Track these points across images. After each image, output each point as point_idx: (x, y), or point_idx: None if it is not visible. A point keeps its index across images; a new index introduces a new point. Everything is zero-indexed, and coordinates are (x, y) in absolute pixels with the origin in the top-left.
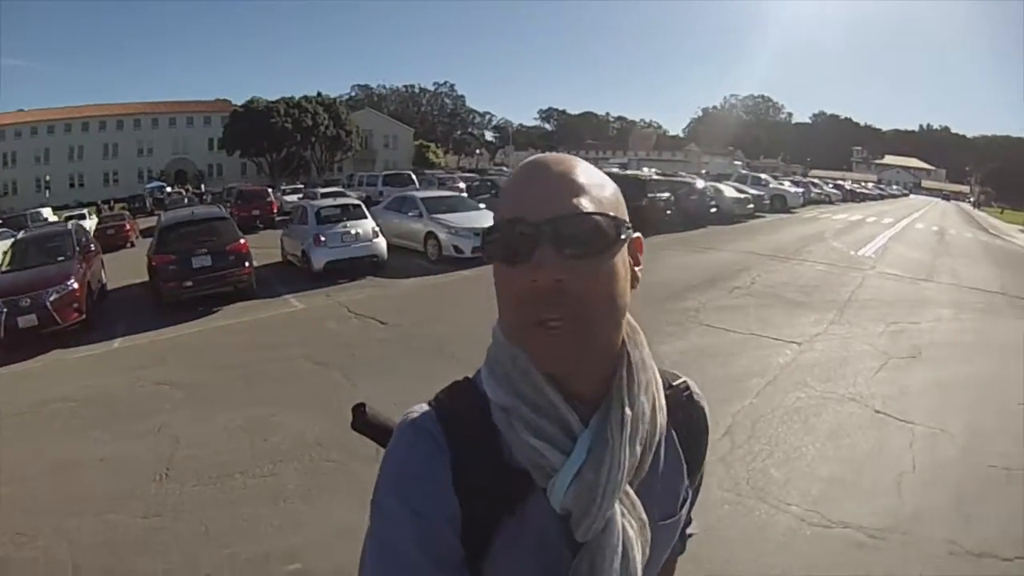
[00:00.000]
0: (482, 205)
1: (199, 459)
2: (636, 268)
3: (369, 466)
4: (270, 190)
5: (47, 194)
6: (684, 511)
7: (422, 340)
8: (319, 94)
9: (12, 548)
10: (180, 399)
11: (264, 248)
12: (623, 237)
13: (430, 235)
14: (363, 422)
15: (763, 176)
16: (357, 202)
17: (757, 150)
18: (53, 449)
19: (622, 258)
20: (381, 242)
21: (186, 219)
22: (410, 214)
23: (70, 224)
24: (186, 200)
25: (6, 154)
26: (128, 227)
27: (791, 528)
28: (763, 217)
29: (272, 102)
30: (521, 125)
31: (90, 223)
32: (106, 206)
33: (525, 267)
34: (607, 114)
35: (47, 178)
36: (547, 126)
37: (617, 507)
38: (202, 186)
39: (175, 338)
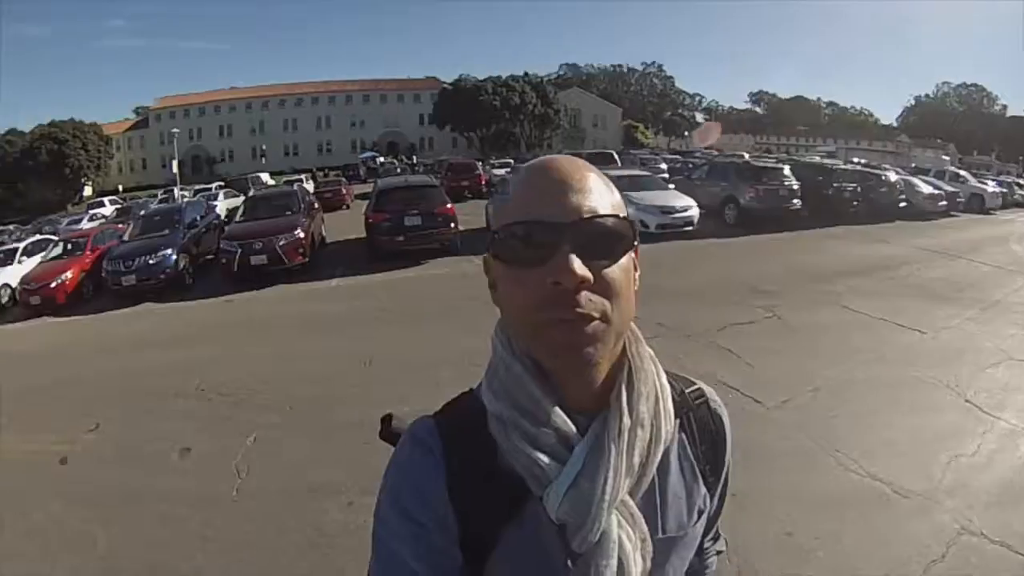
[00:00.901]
0: (671, 185)
1: (399, 357)
2: (636, 273)
3: None
4: (479, 163)
5: (263, 161)
6: (700, 525)
7: None
8: (526, 74)
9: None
10: (387, 319)
11: (471, 215)
12: (635, 242)
13: None
14: (390, 432)
15: (963, 173)
16: None
17: (971, 145)
18: (284, 346)
19: (631, 262)
20: None
21: (400, 184)
22: None
23: (295, 186)
24: (398, 170)
25: (222, 126)
26: (344, 191)
27: (830, 469)
28: (956, 216)
29: (480, 81)
30: (732, 108)
31: (309, 187)
32: (321, 173)
33: (544, 269)
34: (818, 99)
35: (263, 147)
36: (757, 109)
37: (614, 518)
38: (414, 157)
39: (386, 280)
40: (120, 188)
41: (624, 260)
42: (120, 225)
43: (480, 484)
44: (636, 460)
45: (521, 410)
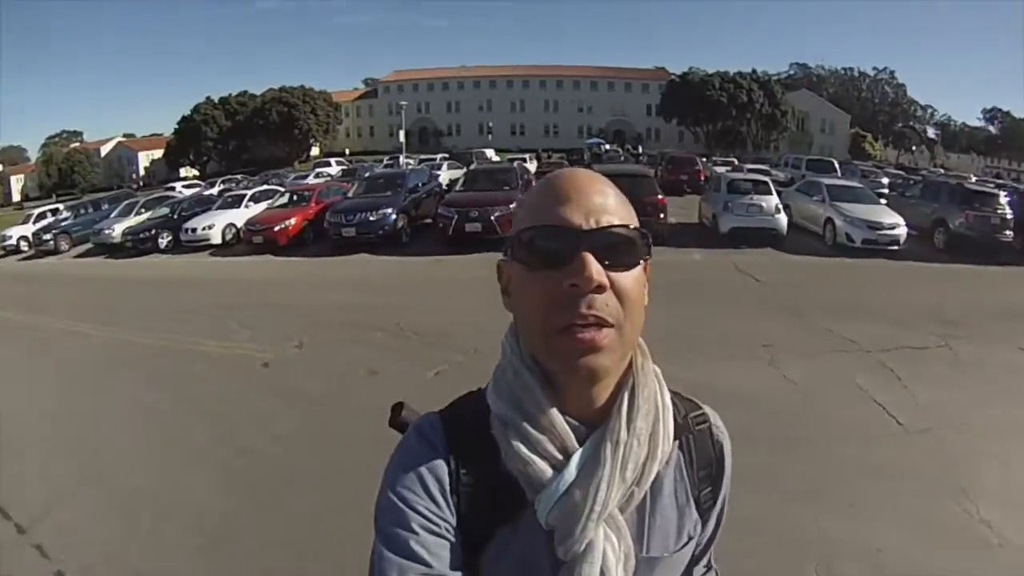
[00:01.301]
0: (883, 201)
1: None
2: (647, 288)
3: None
4: (701, 159)
5: (489, 138)
6: (687, 550)
7: (783, 296)
8: (754, 71)
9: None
10: None
11: (684, 209)
12: (649, 256)
13: (828, 220)
14: (399, 420)
15: None
16: (765, 179)
17: None
18: (481, 303)
19: (643, 275)
20: (782, 218)
21: (615, 171)
22: (815, 198)
23: (515, 163)
24: (622, 158)
25: (451, 102)
26: None
27: (944, 502)
28: None
29: (708, 75)
30: (964, 125)
31: (531, 166)
32: (545, 155)
33: (561, 272)
34: None
35: (490, 124)
36: (991, 128)
37: (601, 531)
38: (640, 147)
39: None
40: (347, 151)
41: (637, 271)
42: (345, 184)
43: (480, 483)
44: (629, 475)
45: (524, 414)
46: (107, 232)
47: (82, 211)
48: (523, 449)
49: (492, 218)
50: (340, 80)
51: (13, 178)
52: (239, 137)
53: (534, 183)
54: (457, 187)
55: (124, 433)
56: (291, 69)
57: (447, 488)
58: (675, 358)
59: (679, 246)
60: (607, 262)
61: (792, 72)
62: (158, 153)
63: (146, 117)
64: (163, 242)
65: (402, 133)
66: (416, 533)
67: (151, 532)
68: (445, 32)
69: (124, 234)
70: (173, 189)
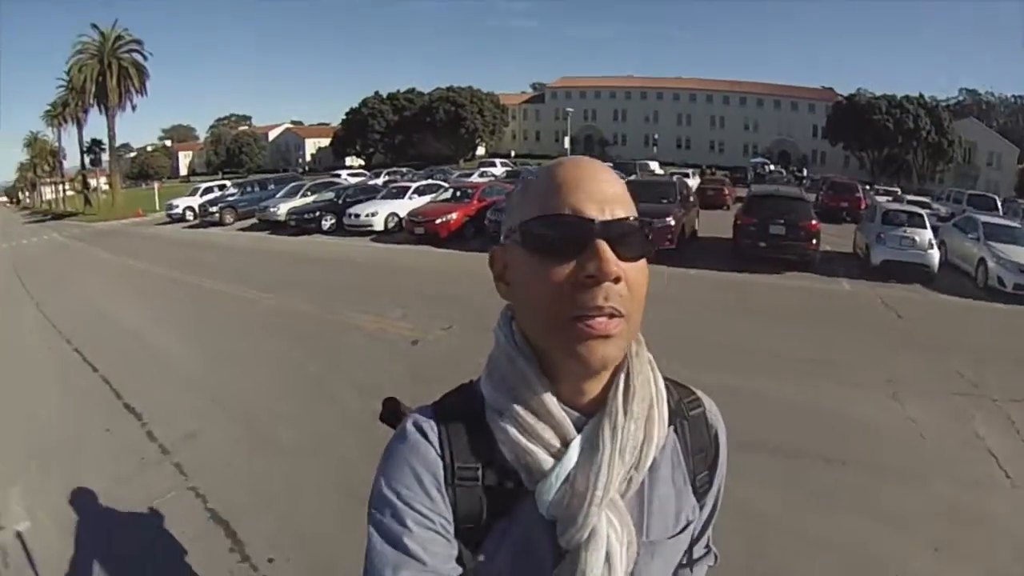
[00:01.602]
0: None
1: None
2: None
3: None
4: (864, 186)
5: (654, 150)
6: (685, 534)
7: (920, 334)
8: (921, 96)
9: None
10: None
11: (839, 237)
12: (653, 247)
13: (981, 260)
14: (390, 414)
15: None
16: (920, 212)
17: None
18: None
19: (647, 267)
20: (934, 254)
21: (772, 193)
22: (970, 236)
23: (676, 177)
24: (785, 179)
25: (617, 111)
26: (726, 192)
27: None
28: None
29: (875, 98)
30: None
31: (693, 182)
32: (709, 171)
33: (576, 262)
34: None
35: (655, 136)
36: None
37: (603, 517)
38: (804, 170)
39: (742, 281)
40: (512, 153)
41: (643, 263)
42: (508, 185)
43: (476, 475)
44: (628, 459)
45: (521, 403)
46: (273, 210)
47: (248, 189)
48: (521, 439)
49: (647, 229)
50: (507, 83)
51: (181, 154)
52: (406, 132)
53: (692, 199)
54: None
55: (275, 386)
56: (458, 69)
57: (442, 482)
58: (806, 381)
59: (829, 274)
60: (619, 253)
61: (961, 98)
62: (324, 141)
63: (314, 107)
64: (326, 224)
65: (567, 139)
66: (410, 529)
67: (292, 475)
68: (613, 41)
69: (289, 213)
70: (338, 176)
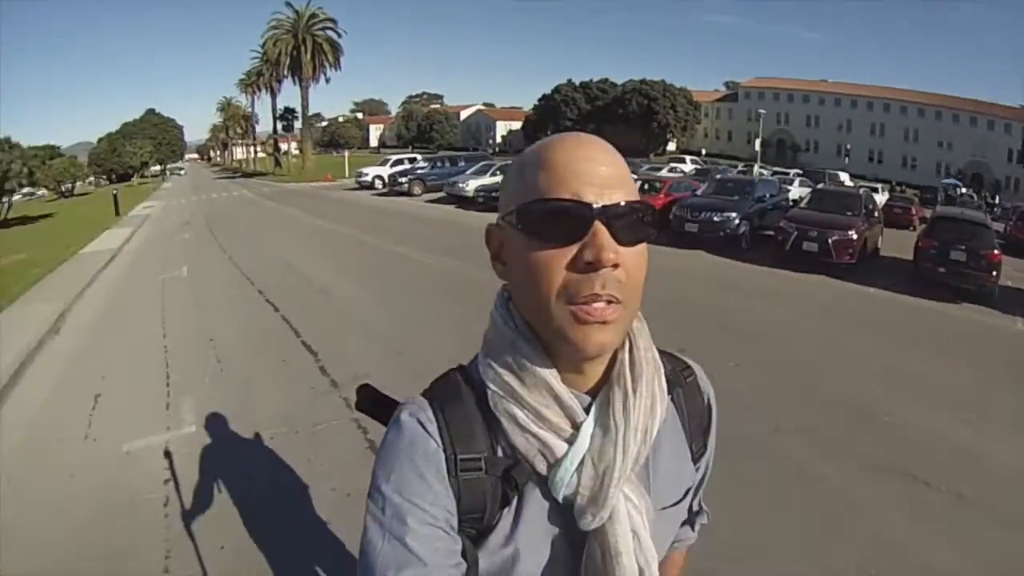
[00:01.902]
0: None
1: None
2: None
3: None
4: None
5: (846, 160)
6: (687, 500)
7: None
8: None
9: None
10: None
11: (1021, 272)
12: (655, 230)
13: None
14: (368, 402)
15: None
16: None
17: None
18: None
19: (647, 250)
20: None
21: (956, 216)
22: None
23: (861, 190)
24: (976, 204)
25: (809, 116)
26: (913, 212)
27: None
28: None
29: None
30: None
31: (880, 198)
32: (899, 188)
33: (576, 247)
34: None
35: (847, 147)
36: None
37: (620, 494)
38: (996, 196)
39: (914, 307)
40: (703, 152)
41: (643, 247)
42: (696, 182)
43: (479, 465)
44: (640, 435)
45: (527, 388)
46: (461, 185)
47: (438, 164)
48: (532, 425)
49: (829, 240)
50: (699, 79)
51: (372, 127)
52: (597, 122)
53: (877, 215)
54: (802, 204)
55: (447, 343)
56: (651, 61)
57: (445, 473)
58: (974, 425)
59: (1006, 311)
60: (619, 237)
61: None
62: (515, 125)
63: (506, 90)
64: None
65: (758, 142)
66: (412, 527)
67: None
68: (809, 42)
69: (477, 190)
70: None
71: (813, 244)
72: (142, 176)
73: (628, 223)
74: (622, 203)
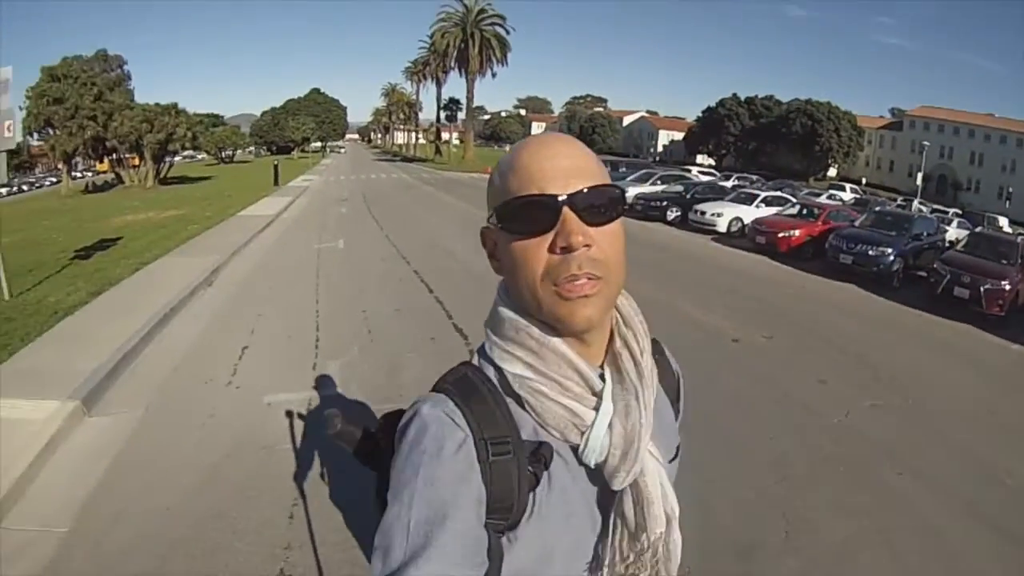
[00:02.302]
0: None
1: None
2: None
3: None
4: None
5: (1007, 204)
6: (678, 458)
7: None
8: None
9: None
10: None
11: None
12: (625, 206)
13: None
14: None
15: None
16: None
17: None
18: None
19: (622, 227)
20: None
21: None
22: None
23: (1020, 239)
24: None
25: (973, 153)
26: None
27: None
28: None
29: None
30: None
31: None
32: None
33: (550, 236)
34: None
35: (1009, 189)
36: None
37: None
38: None
39: None
40: (863, 181)
41: (616, 225)
42: (854, 212)
43: (508, 448)
44: (652, 394)
45: (548, 366)
46: None
47: None
48: (561, 396)
49: (981, 289)
50: (863, 102)
51: (534, 124)
52: (759, 140)
53: None
54: (958, 247)
55: None
56: (815, 81)
57: (475, 460)
58: None
59: None
60: (589, 221)
61: None
62: (677, 135)
63: (670, 98)
64: (671, 215)
65: (919, 176)
66: (439, 524)
67: None
68: (980, 72)
69: (636, 197)
70: (689, 171)
71: (964, 291)
72: (302, 151)
73: (594, 206)
74: (584, 189)
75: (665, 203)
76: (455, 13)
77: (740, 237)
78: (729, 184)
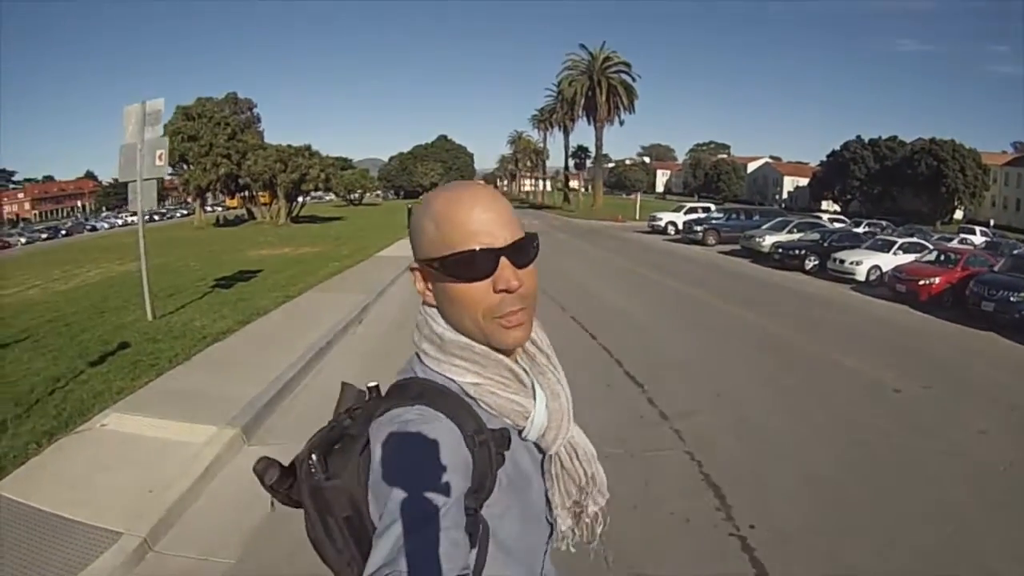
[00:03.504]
0: None
1: None
2: None
3: None
4: None
5: None
6: None
7: None
8: None
9: None
10: None
11: None
12: (535, 252)
13: None
14: (272, 481)
15: None
16: None
17: None
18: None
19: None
20: None
21: None
22: None
23: None
24: None
25: None
26: None
27: None
28: None
29: None
30: None
31: None
32: None
33: (491, 281)
34: None
35: None
36: None
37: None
38: None
39: None
40: (991, 222)
41: (533, 265)
42: (990, 256)
43: (484, 438)
44: (562, 373)
45: (494, 373)
46: (758, 240)
47: (733, 216)
48: (511, 395)
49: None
50: (981, 137)
51: (659, 171)
52: (884, 183)
53: None
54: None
55: (759, 389)
56: (932, 117)
57: (464, 448)
58: None
59: None
60: (517, 264)
61: None
62: (801, 180)
63: (792, 143)
64: (809, 264)
65: None
66: (441, 504)
67: (776, 459)
68: None
69: (774, 246)
70: (819, 218)
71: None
72: None
73: (524, 252)
74: (517, 241)
75: (804, 251)
76: (581, 61)
77: (879, 285)
78: (861, 230)
